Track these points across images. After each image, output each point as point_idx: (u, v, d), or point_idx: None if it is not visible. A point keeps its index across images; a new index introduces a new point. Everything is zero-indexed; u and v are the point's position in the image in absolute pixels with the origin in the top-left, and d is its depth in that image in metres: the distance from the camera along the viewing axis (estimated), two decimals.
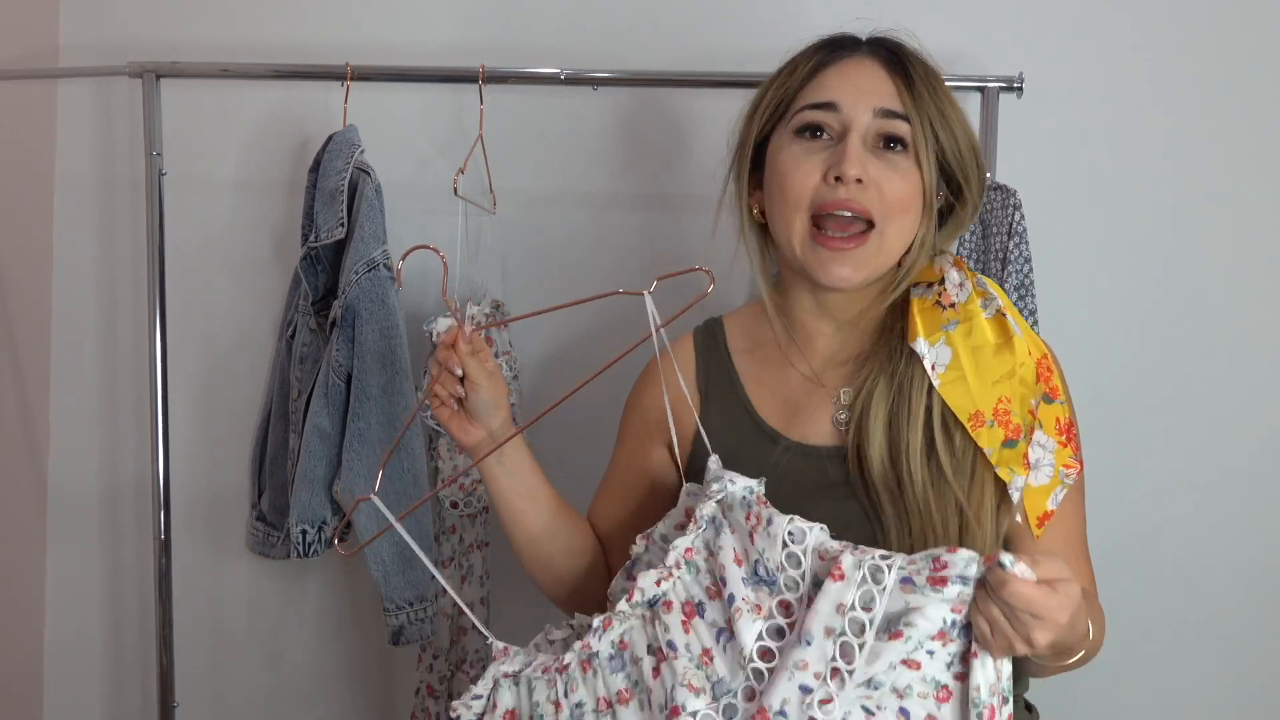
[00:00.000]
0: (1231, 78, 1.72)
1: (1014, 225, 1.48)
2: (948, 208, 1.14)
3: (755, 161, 1.16)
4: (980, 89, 1.61)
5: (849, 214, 1.06)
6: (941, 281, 1.11)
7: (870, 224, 1.07)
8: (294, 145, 1.77)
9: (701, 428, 1.11)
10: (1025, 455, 1.05)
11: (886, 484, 1.05)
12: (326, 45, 1.73)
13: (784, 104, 1.13)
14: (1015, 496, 1.04)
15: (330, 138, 1.59)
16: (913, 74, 1.09)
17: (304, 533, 1.59)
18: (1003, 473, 1.04)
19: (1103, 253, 1.74)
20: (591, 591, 1.23)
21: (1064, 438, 1.06)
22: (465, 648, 1.64)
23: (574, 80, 1.61)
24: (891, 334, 1.12)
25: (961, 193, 1.13)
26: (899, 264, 1.12)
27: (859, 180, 1.05)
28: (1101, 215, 1.74)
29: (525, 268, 1.78)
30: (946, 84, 1.13)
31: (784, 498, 1.01)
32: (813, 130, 1.09)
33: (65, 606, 1.87)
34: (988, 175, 1.60)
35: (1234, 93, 1.72)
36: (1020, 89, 1.60)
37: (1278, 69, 1.72)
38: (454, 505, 1.59)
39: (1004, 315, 1.08)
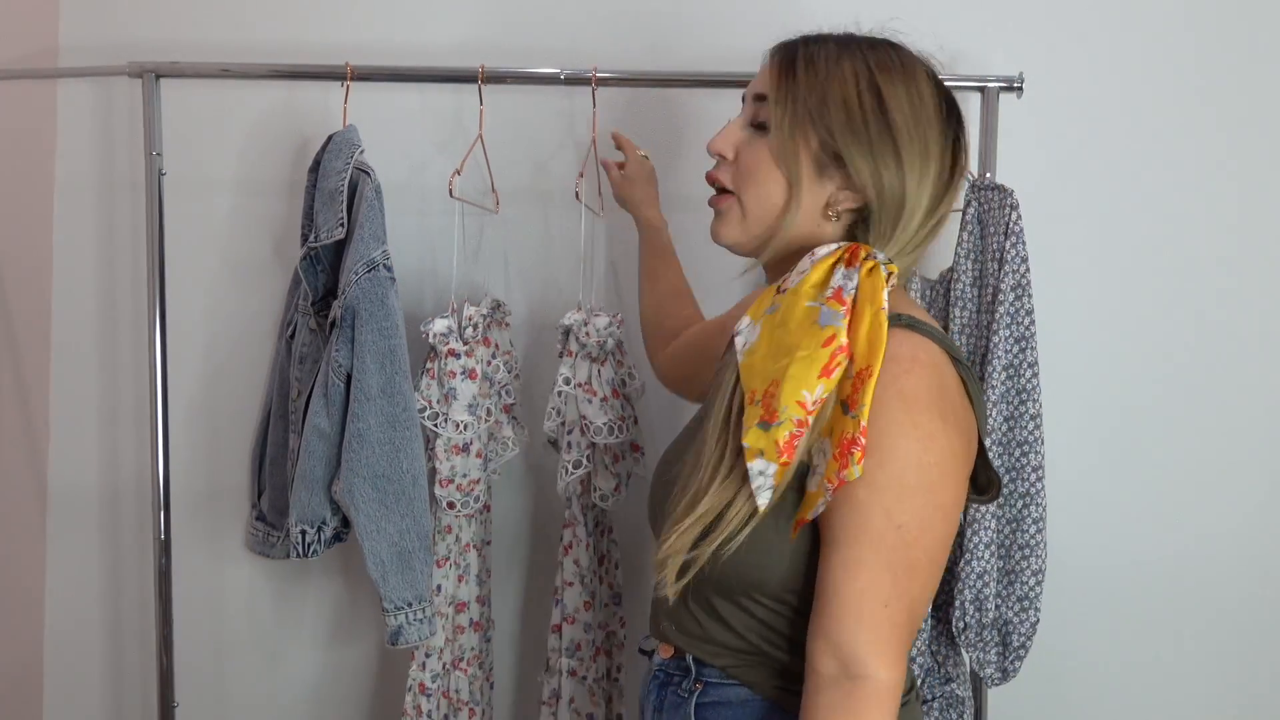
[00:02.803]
0: (1231, 78, 1.72)
1: (1010, 225, 1.48)
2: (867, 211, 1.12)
3: None
4: (980, 89, 1.61)
5: (715, 186, 1.20)
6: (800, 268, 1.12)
7: (730, 193, 1.17)
8: (294, 145, 1.78)
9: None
10: (780, 443, 1.02)
11: (702, 436, 1.11)
12: (326, 45, 1.74)
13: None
14: (757, 482, 1.02)
15: (330, 138, 1.59)
16: (798, 62, 1.14)
17: (303, 533, 1.59)
18: (749, 454, 1.03)
19: (1100, 252, 1.74)
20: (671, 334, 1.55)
21: (838, 451, 1.01)
22: (462, 646, 1.65)
23: (574, 80, 1.61)
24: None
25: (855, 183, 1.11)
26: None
27: (723, 156, 1.18)
28: (1099, 215, 1.74)
29: (525, 268, 1.78)
30: (893, 82, 1.11)
31: (691, 426, 1.22)
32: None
33: (65, 606, 1.87)
34: (987, 174, 1.61)
35: (1233, 93, 1.72)
36: (1020, 89, 1.60)
37: (1277, 69, 1.72)
38: (451, 505, 1.59)
39: (823, 308, 1.06)
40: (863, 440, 1.00)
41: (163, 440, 1.67)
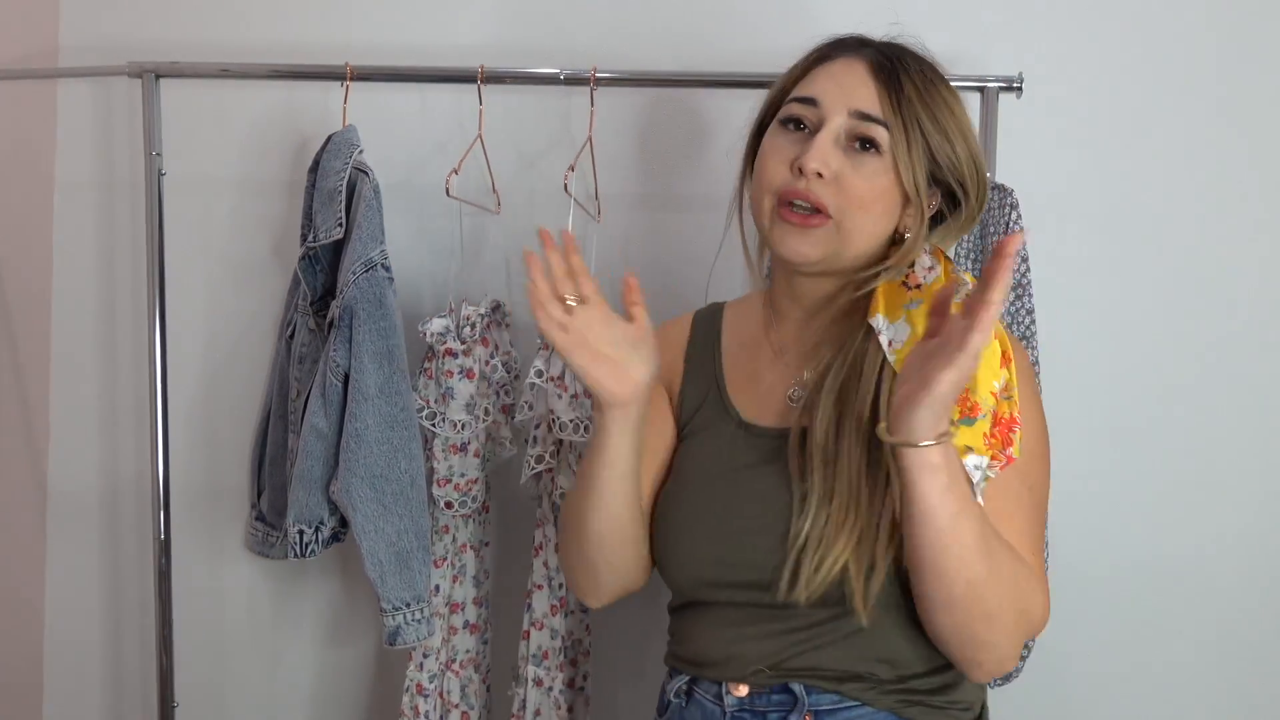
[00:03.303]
0: (1231, 77, 1.72)
1: (1011, 225, 1.48)
2: (944, 212, 1.19)
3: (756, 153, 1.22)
4: (980, 89, 1.60)
5: (806, 205, 1.10)
6: (912, 265, 1.14)
7: (829, 216, 1.11)
8: (293, 145, 1.77)
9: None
10: (985, 435, 1.05)
11: (825, 456, 1.08)
12: (326, 45, 1.73)
13: (779, 98, 1.19)
14: (975, 476, 1.04)
15: (329, 138, 1.59)
16: (903, 80, 1.12)
17: (301, 533, 1.59)
18: (959, 450, 1.03)
19: (1100, 252, 1.74)
20: (629, 585, 1.26)
21: (998, 431, 1.07)
22: (455, 647, 1.64)
23: (574, 80, 1.60)
24: (854, 315, 1.15)
25: (958, 200, 1.17)
26: (884, 259, 1.15)
27: (819, 174, 1.09)
28: (1100, 215, 1.74)
29: (524, 268, 1.77)
30: (952, 92, 1.16)
31: (730, 471, 1.15)
32: (795, 122, 1.14)
33: (65, 606, 1.87)
34: (987, 174, 1.60)
35: (1234, 92, 1.72)
36: (1020, 89, 1.59)
37: (1276, 67, 1.71)
38: (448, 505, 1.59)
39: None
40: (1020, 420, 1.08)
41: (163, 440, 1.67)
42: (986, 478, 1.05)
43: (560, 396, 1.54)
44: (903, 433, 0.96)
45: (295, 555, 1.60)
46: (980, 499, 1.04)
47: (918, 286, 1.12)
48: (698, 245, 1.76)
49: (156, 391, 1.67)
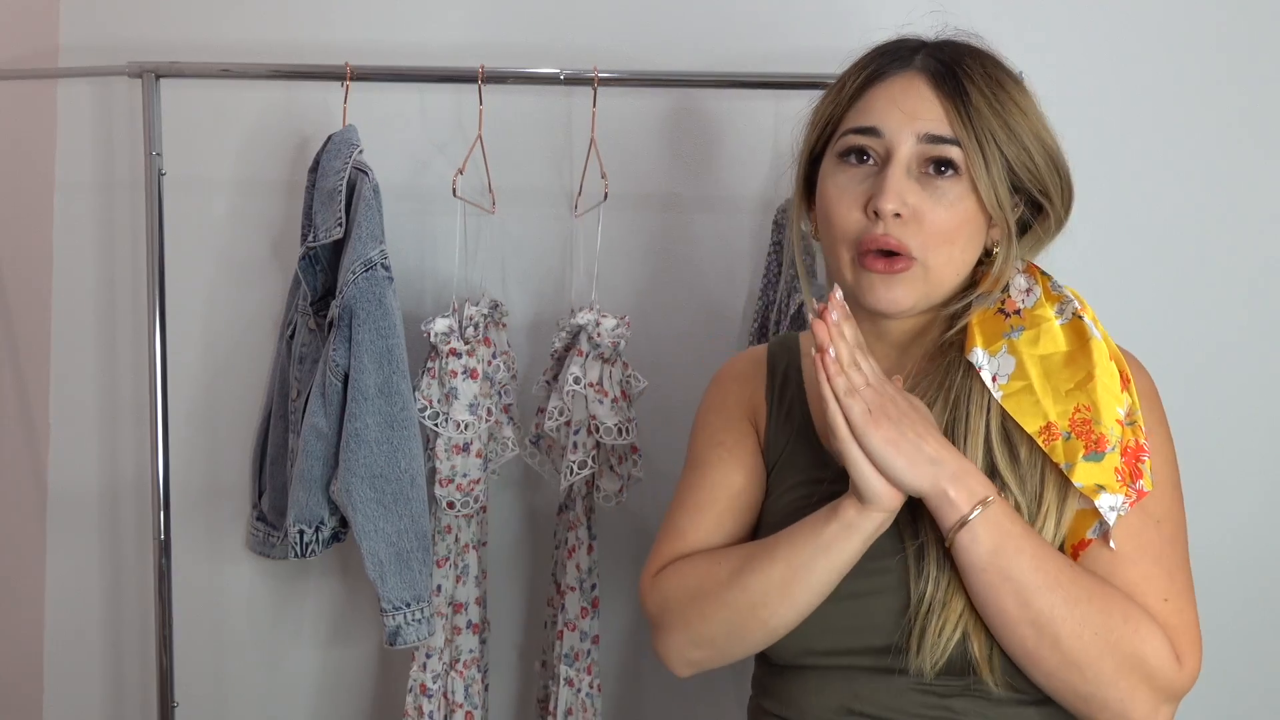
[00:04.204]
0: (1231, 76, 1.72)
1: None
2: (1028, 221, 1.09)
3: (810, 178, 1.12)
4: None
5: (887, 250, 1.01)
6: (1006, 289, 1.06)
7: (913, 256, 1.01)
8: (293, 145, 1.77)
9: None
10: (1117, 470, 0.97)
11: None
12: (326, 45, 1.73)
13: (832, 123, 1.08)
14: (1110, 518, 0.97)
15: (329, 138, 1.59)
16: (969, 89, 1.02)
17: (301, 533, 1.59)
18: (1087, 489, 0.96)
19: (1101, 251, 1.74)
20: None
21: (1126, 462, 0.99)
22: (459, 648, 1.64)
23: (574, 80, 1.60)
24: (950, 350, 1.06)
25: (1041, 205, 1.07)
26: (975, 283, 1.07)
27: (897, 215, 1.00)
28: (1100, 214, 1.74)
29: (525, 268, 1.78)
30: (1020, 88, 1.06)
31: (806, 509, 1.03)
32: (857, 154, 1.04)
33: (65, 606, 1.87)
34: None
35: (1234, 91, 1.72)
36: None
37: (1277, 67, 1.72)
38: (450, 505, 1.59)
39: (1081, 319, 1.03)
40: (1147, 447, 1.01)
41: (163, 440, 1.67)
42: (1120, 516, 0.97)
43: (601, 402, 1.55)
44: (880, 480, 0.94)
45: (296, 555, 1.60)
46: (1112, 542, 0.97)
47: (1017, 312, 1.04)
48: (704, 246, 1.76)
49: (156, 391, 1.66)
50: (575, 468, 1.58)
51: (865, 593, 1.01)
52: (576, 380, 1.56)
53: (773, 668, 1.10)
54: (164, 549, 1.68)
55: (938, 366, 1.06)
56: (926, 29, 1.13)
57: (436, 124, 1.76)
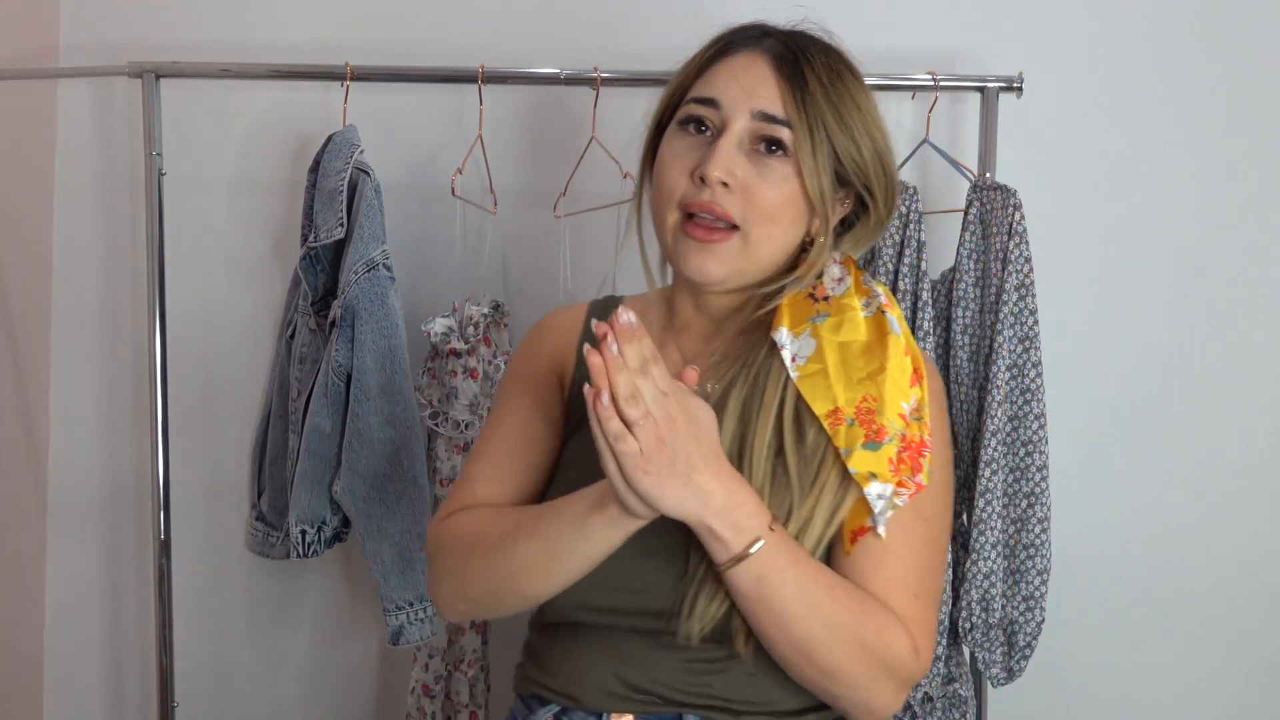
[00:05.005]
0: (1231, 77, 1.72)
1: (1014, 225, 1.48)
2: (855, 215, 1.11)
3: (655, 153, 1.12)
4: (980, 89, 1.61)
5: (710, 217, 1.03)
6: (820, 276, 1.08)
7: (735, 227, 1.03)
8: (294, 145, 1.77)
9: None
10: (891, 461, 0.99)
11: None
12: (326, 45, 1.73)
13: (679, 94, 1.09)
14: (877, 505, 0.98)
15: (330, 138, 1.59)
16: (807, 75, 1.04)
17: (303, 533, 1.59)
18: (860, 476, 0.98)
19: (1102, 252, 1.74)
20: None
21: (907, 456, 1.01)
22: (463, 647, 1.64)
23: (574, 80, 1.61)
24: (759, 328, 1.08)
25: (866, 203, 1.09)
26: (793, 268, 1.08)
27: (724, 184, 1.01)
28: (1101, 215, 1.74)
29: (525, 268, 1.78)
30: (860, 85, 1.07)
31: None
32: (696, 124, 1.05)
33: (65, 606, 1.87)
34: (988, 174, 1.60)
35: (1234, 91, 1.72)
36: (1020, 89, 1.59)
37: (1276, 68, 1.72)
38: None
39: (885, 314, 1.05)
40: (930, 444, 1.01)
41: (163, 440, 1.67)
42: (894, 506, 0.98)
43: None
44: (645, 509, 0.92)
45: (298, 555, 1.60)
46: (883, 530, 0.99)
47: (826, 299, 1.06)
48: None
49: (156, 391, 1.66)
50: None
51: (647, 554, 1.00)
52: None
53: (545, 629, 1.11)
54: (164, 549, 1.68)
55: (745, 343, 1.08)
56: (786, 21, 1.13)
57: (436, 124, 1.76)
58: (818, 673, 0.98)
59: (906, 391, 1.01)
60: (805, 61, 1.05)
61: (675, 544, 1.00)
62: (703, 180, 1.02)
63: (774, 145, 1.03)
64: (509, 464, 1.12)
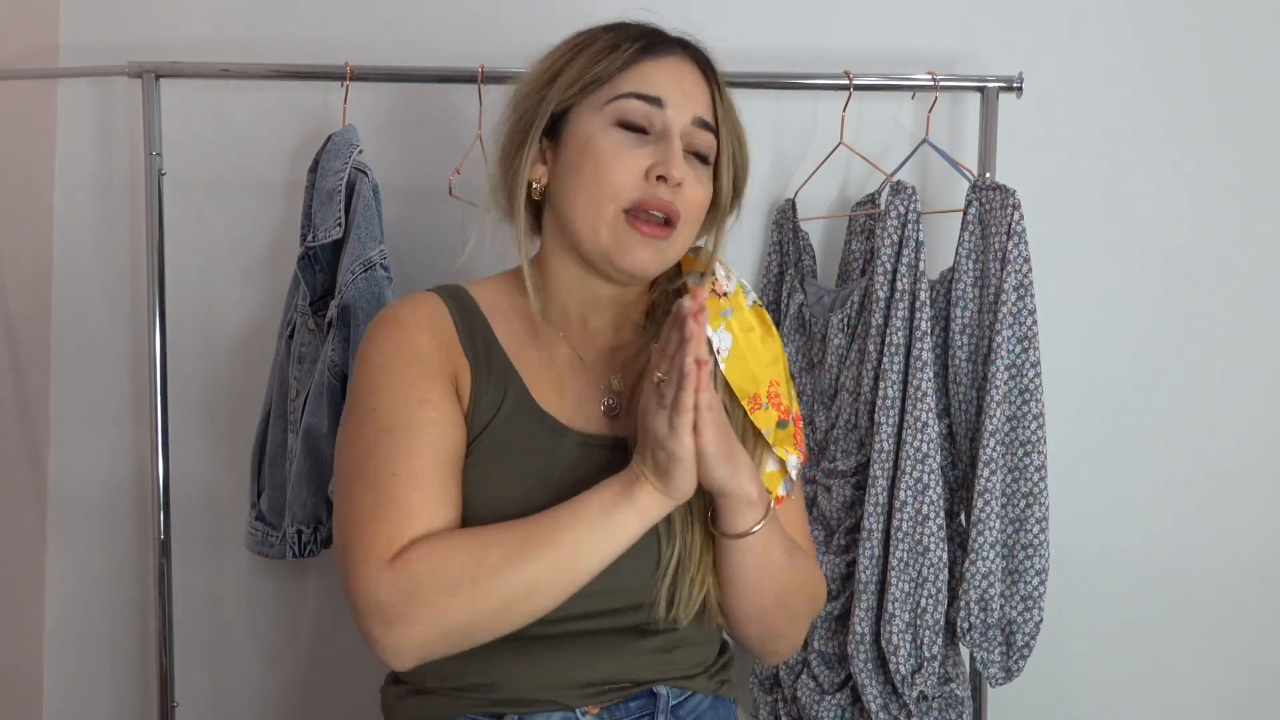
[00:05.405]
0: (1230, 77, 1.72)
1: (1013, 225, 1.48)
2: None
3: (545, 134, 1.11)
4: (980, 89, 1.61)
5: (660, 215, 1.06)
6: (713, 273, 1.15)
7: (669, 223, 1.07)
8: (293, 145, 1.77)
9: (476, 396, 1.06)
10: (794, 435, 1.12)
11: None
12: (326, 45, 1.73)
13: (597, 82, 1.08)
14: (794, 474, 1.11)
15: (329, 138, 1.59)
16: (721, 85, 1.11)
17: (300, 532, 1.59)
18: (780, 452, 1.10)
19: (1102, 252, 1.74)
20: None
21: (797, 428, 1.14)
22: None
23: None
24: (653, 322, 1.15)
25: (735, 198, 1.17)
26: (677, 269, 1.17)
27: (679, 184, 1.05)
28: (1100, 215, 1.74)
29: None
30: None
31: (564, 486, 1.02)
32: (637, 123, 1.07)
33: (65, 606, 1.87)
34: (987, 175, 1.60)
35: (1233, 92, 1.72)
36: (1020, 89, 1.59)
37: (1276, 68, 1.72)
38: None
39: (760, 304, 1.15)
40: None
41: (163, 440, 1.67)
42: (796, 473, 1.13)
43: None
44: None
45: (295, 555, 1.60)
46: (792, 495, 1.13)
47: (725, 295, 1.13)
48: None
49: (156, 391, 1.66)
50: None
51: (620, 557, 1.01)
52: None
53: (488, 649, 1.02)
54: (164, 549, 1.68)
55: (645, 338, 1.13)
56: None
57: (436, 124, 1.76)
58: (785, 617, 1.10)
59: (787, 373, 1.15)
60: (714, 71, 1.12)
61: (645, 541, 1.02)
62: (663, 180, 1.04)
63: (701, 155, 1.09)
64: (439, 483, 1.01)
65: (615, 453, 1.08)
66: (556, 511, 1.00)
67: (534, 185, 1.11)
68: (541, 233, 1.16)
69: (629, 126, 1.06)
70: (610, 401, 1.11)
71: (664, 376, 0.94)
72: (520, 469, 1.05)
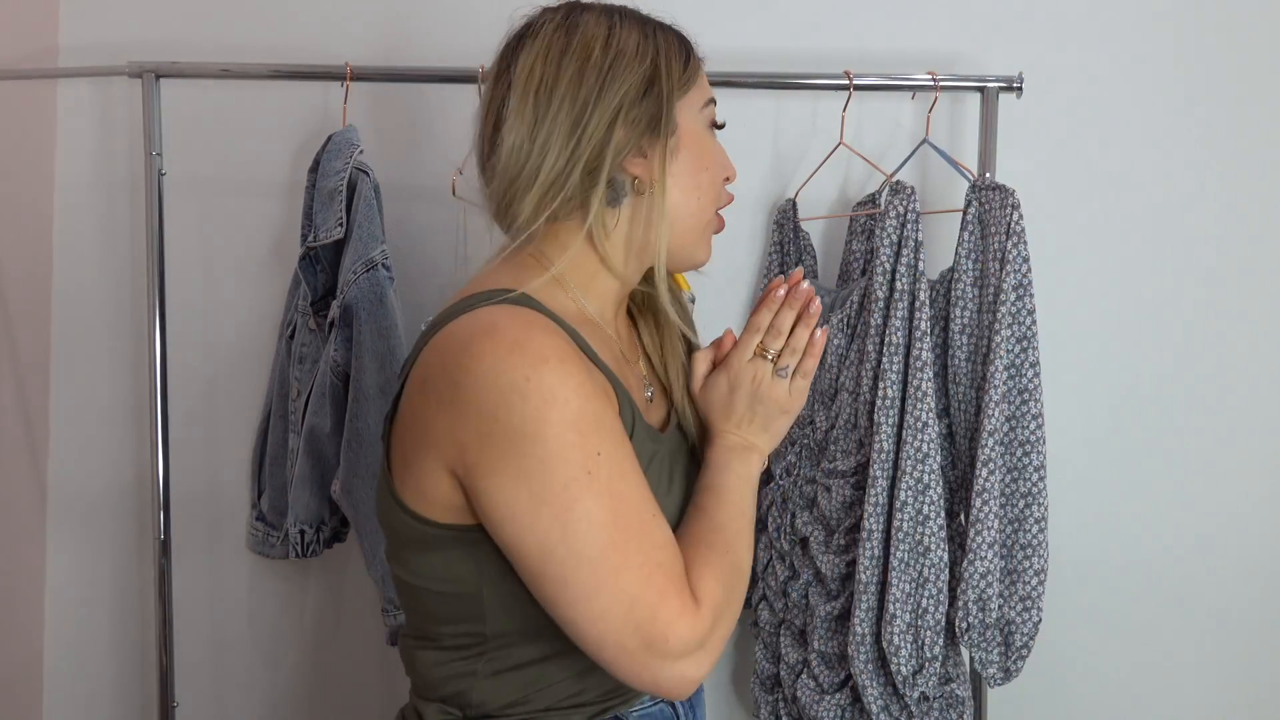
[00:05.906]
0: (1230, 77, 1.72)
1: (1012, 225, 1.48)
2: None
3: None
4: (980, 89, 1.61)
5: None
6: None
7: None
8: (294, 145, 1.77)
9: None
10: None
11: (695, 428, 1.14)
12: (326, 45, 1.74)
13: (686, 85, 1.06)
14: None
15: (330, 138, 1.59)
16: None
17: (302, 532, 1.59)
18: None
19: (1101, 252, 1.74)
20: None
21: None
22: None
23: None
24: (651, 304, 1.18)
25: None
26: None
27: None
28: (1100, 215, 1.74)
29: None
30: None
31: (678, 487, 1.06)
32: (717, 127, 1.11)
33: (65, 606, 1.87)
34: (986, 174, 1.60)
35: (1233, 92, 1.72)
36: (1020, 89, 1.59)
37: (1276, 68, 1.72)
38: None
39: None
40: None
41: (163, 440, 1.67)
42: None
43: None
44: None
45: (297, 555, 1.60)
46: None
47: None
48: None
49: (156, 391, 1.66)
50: None
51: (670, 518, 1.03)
52: None
53: (539, 669, 1.01)
54: (164, 549, 1.68)
55: (649, 321, 1.18)
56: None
57: (436, 124, 1.76)
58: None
59: None
60: None
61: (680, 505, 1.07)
62: (726, 180, 1.11)
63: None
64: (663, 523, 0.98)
65: (673, 437, 1.11)
66: (710, 491, 1.06)
67: (635, 180, 1.03)
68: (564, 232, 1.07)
69: (714, 131, 1.10)
70: (650, 391, 1.13)
71: (772, 350, 1.09)
72: (652, 479, 1.00)
